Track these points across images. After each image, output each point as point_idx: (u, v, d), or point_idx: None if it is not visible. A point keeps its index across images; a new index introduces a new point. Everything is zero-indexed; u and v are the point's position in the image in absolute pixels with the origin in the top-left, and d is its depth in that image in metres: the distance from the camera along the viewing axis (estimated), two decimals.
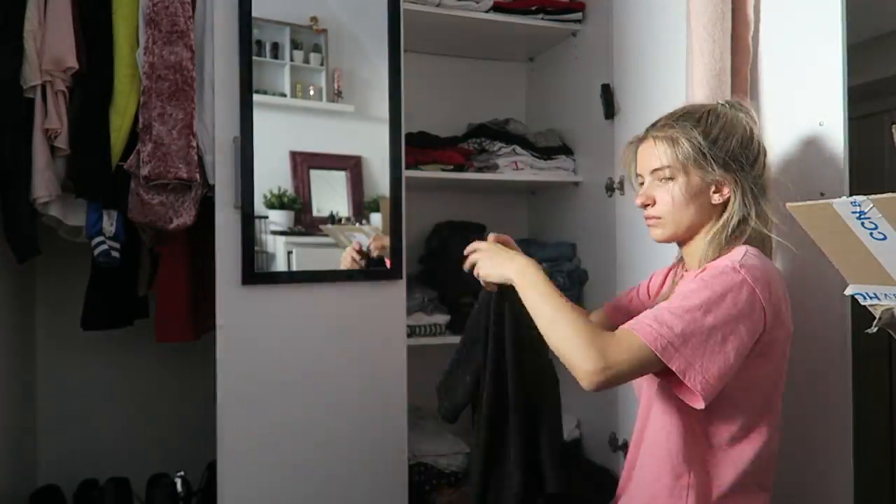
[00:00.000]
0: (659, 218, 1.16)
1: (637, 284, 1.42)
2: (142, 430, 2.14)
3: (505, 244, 1.26)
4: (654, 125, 1.18)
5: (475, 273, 1.21)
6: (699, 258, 1.13)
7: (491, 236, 1.26)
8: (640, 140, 1.19)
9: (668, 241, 1.18)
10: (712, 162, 1.10)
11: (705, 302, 1.00)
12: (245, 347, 1.63)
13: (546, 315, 1.05)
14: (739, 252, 1.07)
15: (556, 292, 1.08)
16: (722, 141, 1.12)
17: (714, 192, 1.13)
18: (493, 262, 1.17)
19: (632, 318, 1.05)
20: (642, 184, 1.19)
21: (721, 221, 1.12)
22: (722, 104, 1.18)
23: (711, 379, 0.97)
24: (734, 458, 1.09)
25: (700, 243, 1.15)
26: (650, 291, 1.36)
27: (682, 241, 1.19)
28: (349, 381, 1.72)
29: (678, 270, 1.27)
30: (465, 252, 1.23)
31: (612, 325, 1.23)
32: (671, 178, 1.13)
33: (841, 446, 1.25)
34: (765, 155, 1.16)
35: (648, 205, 1.16)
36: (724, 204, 1.13)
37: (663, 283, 1.33)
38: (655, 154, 1.14)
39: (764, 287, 1.03)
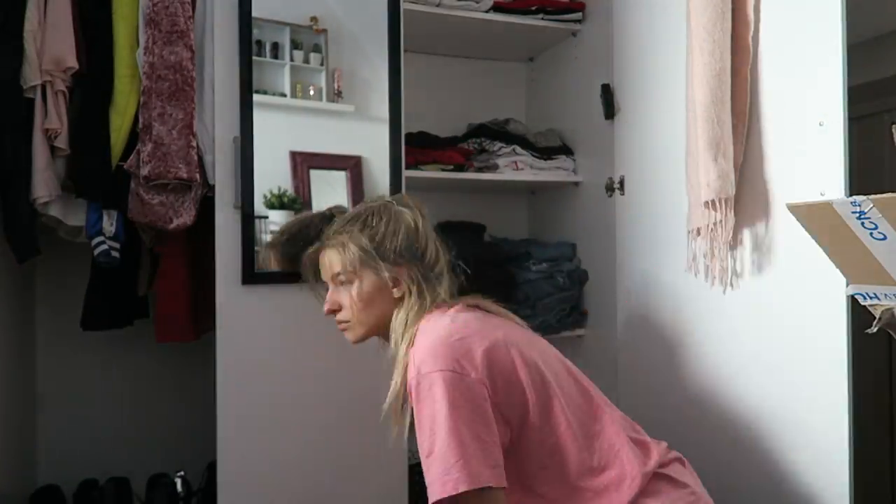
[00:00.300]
0: (347, 321, 1.23)
1: None
2: (142, 430, 2.13)
3: None
4: (326, 233, 1.24)
5: None
6: (399, 346, 1.17)
7: None
8: (319, 249, 1.25)
9: (362, 340, 1.26)
10: (381, 261, 1.17)
11: (429, 422, 1.01)
12: (245, 347, 1.63)
13: None
14: (416, 353, 1.09)
15: None
16: (389, 239, 1.19)
17: (393, 287, 1.19)
18: None
19: None
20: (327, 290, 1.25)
21: (402, 312, 1.18)
22: (389, 201, 1.26)
23: (487, 463, 1.00)
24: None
25: (396, 333, 1.19)
26: None
27: (380, 334, 1.25)
28: (349, 380, 1.72)
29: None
30: None
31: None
32: (349, 282, 1.20)
33: (840, 446, 1.25)
34: (434, 243, 1.23)
35: (335, 310, 1.23)
36: (404, 296, 1.19)
37: None
38: (332, 261, 1.22)
39: (445, 358, 1.04)
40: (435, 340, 1.08)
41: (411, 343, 1.15)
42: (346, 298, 1.21)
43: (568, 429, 1.09)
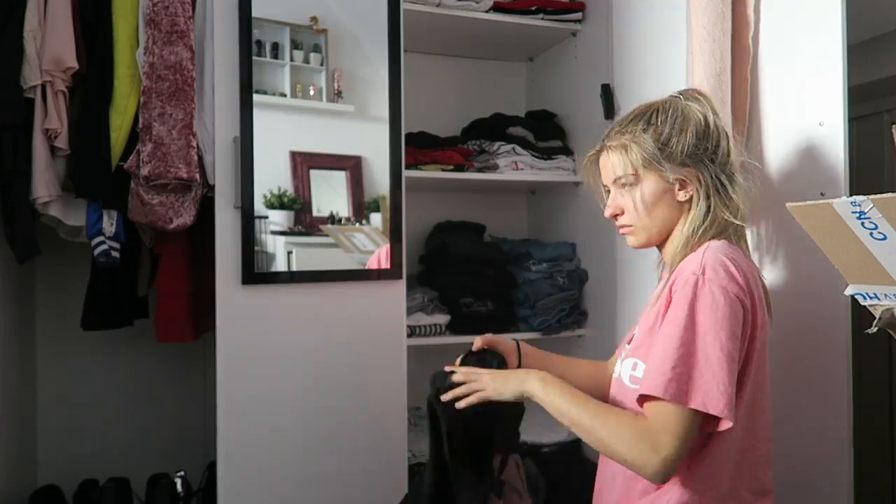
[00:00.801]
0: (630, 226, 1.14)
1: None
2: (142, 430, 2.14)
3: (491, 343, 1.26)
4: (607, 134, 1.16)
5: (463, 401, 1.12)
6: (673, 258, 1.11)
7: (478, 340, 1.25)
8: (598, 151, 1.17)
9: (644, 246, 1.17)
10: (667, 161, 1.08)
11: (686, 327, 0.97)
12: (245, 347, 1.63)
13: (581, 426, 1.02)
14: (698, 254, 1.04)
15: (579, 395, 1.05)
16: (675, 137, 1.09)
17: (679, 190, 1.10)
18: (502, 383, 1.10)
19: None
20: (607, 193, 1.18)
21: (689, 219, 1.10)
22: (675, 95, 1.15)
23: (729, 396, 0.94)
24: (714, 463, 1.03)
25: (674, 243, 1.12)
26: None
27: (660, 244, 1.17)
28: (349, 381, 1.72)
29: (659, 272, 1.25)
30: (456, 379, 1.14)
31: None
32: (632, 185, 1.12)
33: (841, 446, 1.25)
34: (727, 140, 1.12)
35: (618, 214, 1.15)
36: (691, 200, 1.11)
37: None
38: (614, 163, 1.13)
39: (729, 279, 0.99)
40: (716, 259, 1.01)
41: (692, 250, 1.07)
42: (629, 202, 1.12)
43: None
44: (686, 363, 0.95)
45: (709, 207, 1.09)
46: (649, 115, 1.12)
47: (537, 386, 1.06)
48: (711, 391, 0.93)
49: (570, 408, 1.03)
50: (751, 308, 1.01)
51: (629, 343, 1.15)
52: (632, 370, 1.07)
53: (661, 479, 0.96)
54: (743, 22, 1.45)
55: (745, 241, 1.16)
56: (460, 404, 1.10)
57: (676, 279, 1.03)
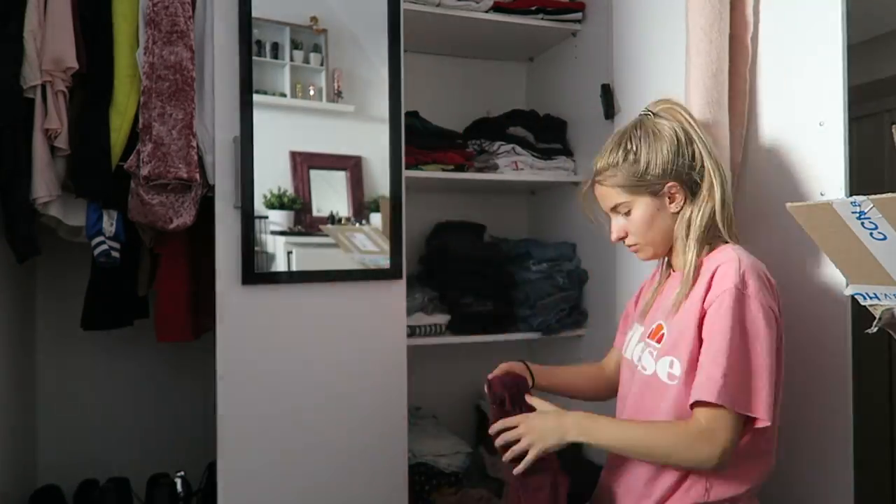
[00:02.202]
0: (636, 244, 1.26)
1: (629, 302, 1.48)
2: (142, 430, 2.14)
3: (513, 371, 1.35)
4: (595, 168, 1.26)
5: (510, 454, 1.18)
6: (683, 262, 1.21)
7: (497, 370, 1.35)
8: (591, 185, 1.28)
9: (655, 258, 1.29)
10: (652, 182, 1.19)
11: (735, 337, 1.07)
12: (245, 347, 1.63)
13: (634, 447, 1.13)
14: (731, 263, 1.12)
15: (620, 423, 1.19)
16: (653, 159, 1.19)
17: (670, 203, 1.21)
18: (540, 434, 1.15)
19: None
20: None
21: (685, 226, 1.20)
22: (645, 114, 1.26)
23: (770, 401, 1.07)
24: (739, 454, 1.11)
25: (679, 249, 1.23)
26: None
27: (667, 253, 1.28)
28: (349, 381, 1.72)
29: (661, 272, 1.33)
30: (493, 430, 1.21)
31: None
32: (629, 210, 1.23)
33: (841, 446, 1.25)
34: (700, 143, 1.21)
35: (623, 237, 1.26)
36: (684, 206, 1.21)
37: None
38: (606, 195, 1.25)
39: (767, 292, 1.11)
40: (753, 270, 1.11)
41: (703, 252, 1.18)
42: (630, 225, 1.24)
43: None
44: (736, 372, 1.06)
45: (700, 211, 1.19)
46: (624, 142, 1.22)
47: (577, 433, 1.14)
48: (758, 397, 1.06)
49: (618, 440, 1.14)
50: (779, 315, 1.13)
51: (654, 339, 1.22)
52: (669, 368, 1.15)
53: (723, 467, 1.08)
54: (742, 22, 1.45)
55: (736, 231, 1.24)
56: (518, 470, 1.17)
57: (713, 286, 1.12)
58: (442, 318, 2.03)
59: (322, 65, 1.73)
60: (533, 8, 2.11)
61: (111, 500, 1.88)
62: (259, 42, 1.66)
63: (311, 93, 1.72)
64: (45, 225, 1.71)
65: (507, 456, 1.17)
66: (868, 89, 2.08)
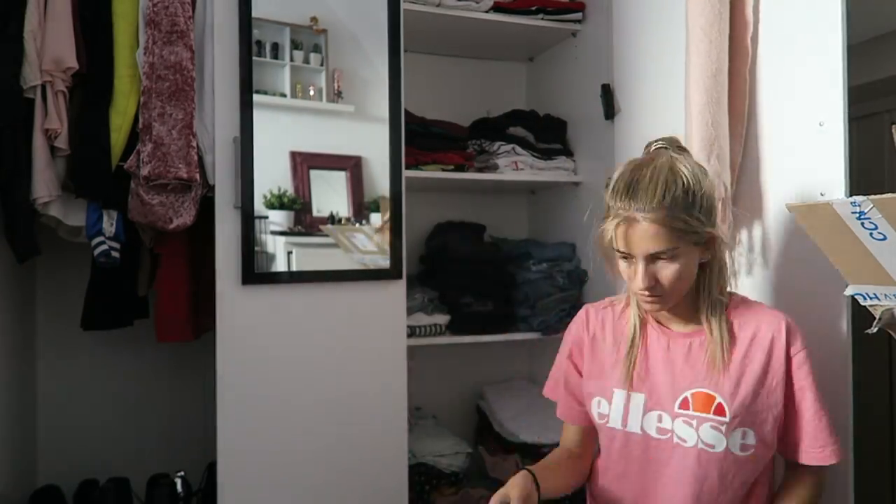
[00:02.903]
0: (660, 296, 1.10)
1: (563, 357, 1.34)
2: (142, 430, 2.14)
3: (526, 492, 1.11)
4: (642, 205, 1.05)
5: None
6: (702, 320, 1.16)
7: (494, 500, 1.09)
8: (630, 220, 1.07)
9: (663, 311, 1.17)
10: (700, 229, 1.08)
11: (817, 398, 1.14)
12: (245, 347, 1.63)
13: None
14: (776, 320, 1.14)
15: None
16: (706, 208, 1.09)
17: (706, 251, 1.13)
18: None
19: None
20: (625, 257, 1.11)
21: (711, 279, 1.15)
22: (673, 157, 1.11)
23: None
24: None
25: (691, 304, 1.16)
26: (584, 357, 1.30)
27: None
28: (349, 381, 1.72)
29: (634, 327, 1.22)
30: None
31: (583, 426, 1.31)
32: (673, 257, 1.07)
33: (841, 446, 1.25)
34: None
35: (652, 286, 1.09)
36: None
37: (593, 340, 1.32)
38: (653, 238, 1.05)
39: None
40: (791, 322, 1.14)
41: (724, 305, 1.16)
42: (667, 272, 1.07)
43: None
44: (829, 429, 1.13)
45: (719, 262, 1.15)
46: (688, 190, 1.07)
47: None
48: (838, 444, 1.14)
49: None
50: None
51: (699, 410, 1.12)
52: (742, 439, 1.12)
53: None
54: (742, 23, 1.45)
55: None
56: None
57: (777, 348, 1.13)
58: (442, 318, 2.03)
59: (322, 65, 1.73)
60: (533, 8, 2.11)
61: (111, 500, 1.88)
62: (259, 42, 1.66)
63: (311, 93, 1.72)
64: (45, 225, 1.71)
65: None
66: (868, 89, 2.08)
